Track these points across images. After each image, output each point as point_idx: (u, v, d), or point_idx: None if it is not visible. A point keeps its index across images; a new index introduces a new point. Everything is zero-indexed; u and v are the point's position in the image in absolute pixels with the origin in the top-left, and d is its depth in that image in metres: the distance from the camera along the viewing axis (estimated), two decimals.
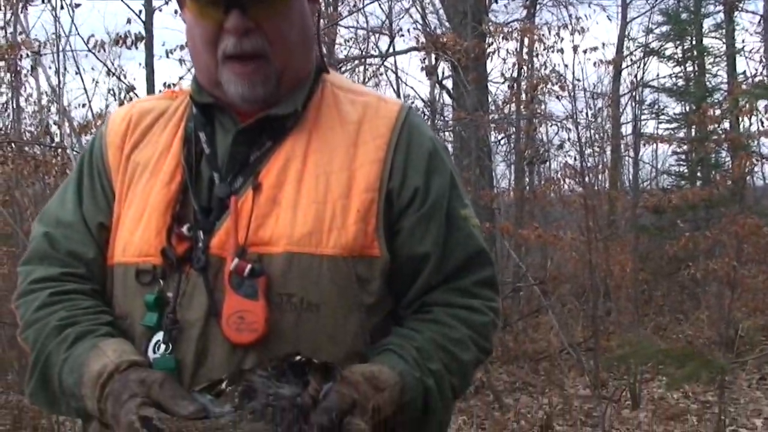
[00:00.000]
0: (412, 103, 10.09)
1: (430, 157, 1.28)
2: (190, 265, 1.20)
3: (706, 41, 11.70)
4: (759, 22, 11.91)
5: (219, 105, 1.27)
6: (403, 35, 10.51)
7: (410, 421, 1.21)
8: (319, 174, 1.22)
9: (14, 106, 7.48)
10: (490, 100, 9.71)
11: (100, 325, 1.21)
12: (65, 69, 7.29)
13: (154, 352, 1.18)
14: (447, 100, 11.14)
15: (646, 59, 11.62)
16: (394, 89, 9.97)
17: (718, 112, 9.98)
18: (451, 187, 1.30)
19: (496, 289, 1.34)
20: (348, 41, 9.88)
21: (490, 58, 8.90)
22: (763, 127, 8.50)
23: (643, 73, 11.90)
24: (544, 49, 8.95)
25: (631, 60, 11.80)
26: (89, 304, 1.24)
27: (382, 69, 9.50)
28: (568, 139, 10.20)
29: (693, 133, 11.10)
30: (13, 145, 6.31)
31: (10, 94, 7.47)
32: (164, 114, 1.32)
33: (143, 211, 1.24)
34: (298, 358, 1.10)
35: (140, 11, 5.77)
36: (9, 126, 7.66)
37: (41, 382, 1.21)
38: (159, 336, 1.18)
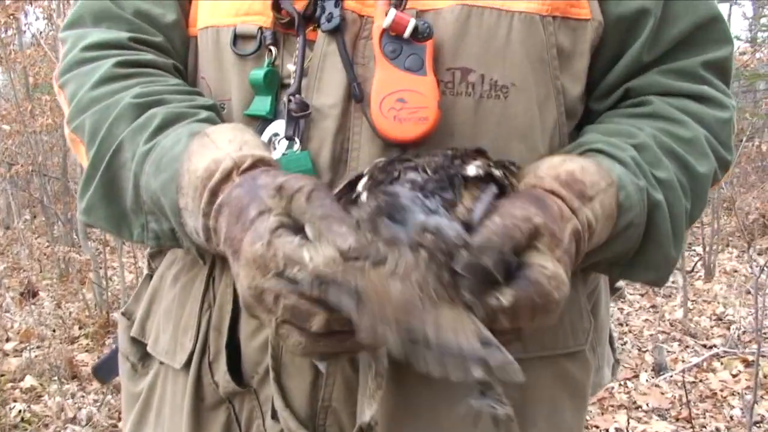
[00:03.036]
0: None
1: None
2: (315, 25, 0.82)
3: None
4: None
5: None
6: None
7: (624, 255, 0.83)
8: None
9: None
10: None
11: (198, 108, 0.82)
12: None
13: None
14: None
15: None
16: None
17: None
18: None
19: (728, 79, 0.93)
20: None
21: None
22: None
23: None
24: None
25: None
26: (177, 82, 0.87)
27: None
28: None
29: None
30: None
31: None
32: None
33: None
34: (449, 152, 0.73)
35: None
36: None
37: (104, 189, 0.82)
38: (275, 128, 0.82)
